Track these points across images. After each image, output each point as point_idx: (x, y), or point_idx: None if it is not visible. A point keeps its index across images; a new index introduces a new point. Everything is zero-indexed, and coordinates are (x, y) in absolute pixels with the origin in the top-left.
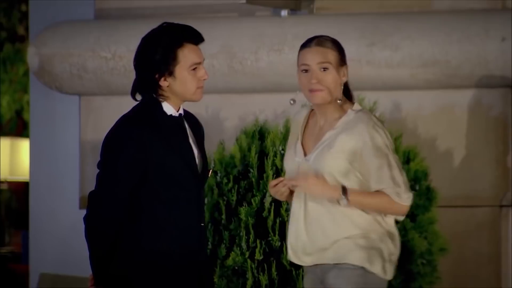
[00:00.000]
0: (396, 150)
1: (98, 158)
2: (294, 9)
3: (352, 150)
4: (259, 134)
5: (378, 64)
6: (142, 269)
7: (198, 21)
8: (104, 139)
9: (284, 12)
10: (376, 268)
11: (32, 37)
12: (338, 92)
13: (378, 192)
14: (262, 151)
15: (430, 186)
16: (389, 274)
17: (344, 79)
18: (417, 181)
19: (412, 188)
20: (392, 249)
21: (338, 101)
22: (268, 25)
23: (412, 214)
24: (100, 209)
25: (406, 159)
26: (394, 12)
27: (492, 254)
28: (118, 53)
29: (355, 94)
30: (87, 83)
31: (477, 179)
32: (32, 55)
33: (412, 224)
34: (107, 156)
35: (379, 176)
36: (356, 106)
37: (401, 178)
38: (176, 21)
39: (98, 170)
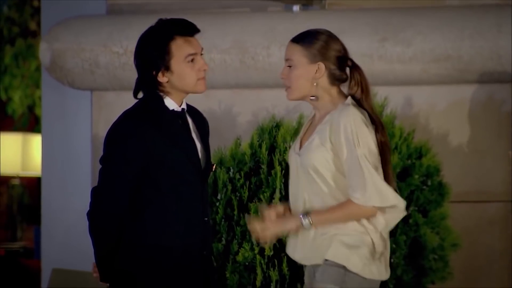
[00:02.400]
0: (408, 146)
1: None
2: (306, 5)
3: (332, 142)
4: (275, 130)
5: (390, 60)
6: (145, 264)
7: (210, 17)
8: (106, 134)
9: (296, 8)
10: (355, 267)
11: (44, 33)
12: (308, 90)
13: (341, 203)
14: (274, 147)
15: (442, 182)
16: (377, 274)
17: (317, 76)
18: (429, 176)
19: (424, 183)
20: (379, 249)
21: (311, 98)
22: (280, 21)
23: (424, 210)
24: (102, 204)
25: (418, 154)
26: (406, 7)
27: (504, 249)
28: (130, 49)
29: None
30: (99, 79)
31: (489, 174)
32: (44, 51)
33: (424, 219)
34: (108, 152)
35: (347, 171)
36: (348, 100)
37: (368, 178)
38: (187, 17)
39: (100, 166)
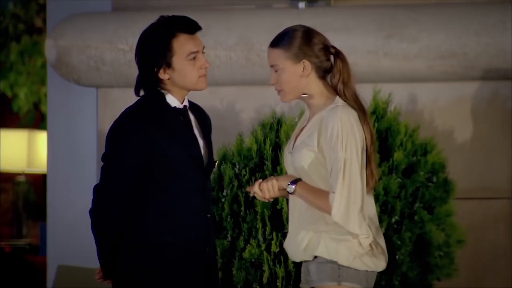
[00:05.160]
0: (413, 142)
1: None
2: (312, 1)
3: (320, 143)
4: (277, 126)
5: (395, 56)
6: (147, 262)
7: (215, 13)
8: (108, 131)
9: (301, 4)
10: (346, 261)
11: (50, 29)
12: (300, 89)
13: (323, 192)
14: (277, 143)
15: (447, 178)
16: (372, 265)
17: (305, 73)
18: (434, 173)
19: (429, 180)
20: (366, 242)
21: (303, 95)
22: (286, 17)
23: (429, 206)
24: (105, 203)
25: (423, 151)
26: (411, 4)
27: (508, 245)
28: (135, 45)
29: (372, 86)
30: (105, 75)
31: (494, 171)
32: (50, 47)
33: (430, 216)
34: (110, 149)
35: (330, 171)
36: (337, 100)
37: (346, 185)
38: (192, 14)
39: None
